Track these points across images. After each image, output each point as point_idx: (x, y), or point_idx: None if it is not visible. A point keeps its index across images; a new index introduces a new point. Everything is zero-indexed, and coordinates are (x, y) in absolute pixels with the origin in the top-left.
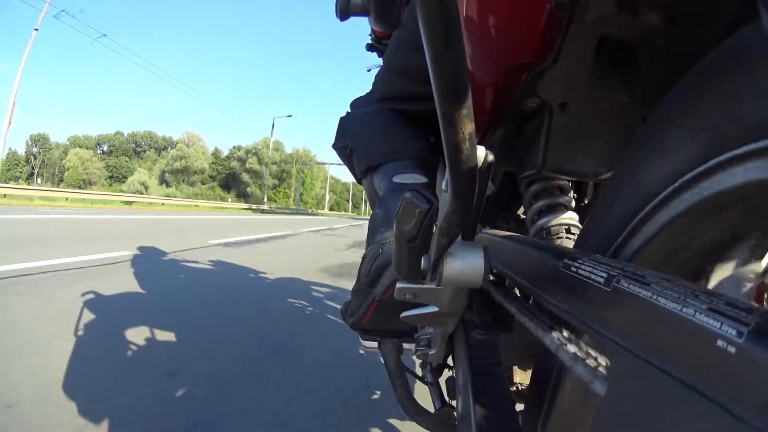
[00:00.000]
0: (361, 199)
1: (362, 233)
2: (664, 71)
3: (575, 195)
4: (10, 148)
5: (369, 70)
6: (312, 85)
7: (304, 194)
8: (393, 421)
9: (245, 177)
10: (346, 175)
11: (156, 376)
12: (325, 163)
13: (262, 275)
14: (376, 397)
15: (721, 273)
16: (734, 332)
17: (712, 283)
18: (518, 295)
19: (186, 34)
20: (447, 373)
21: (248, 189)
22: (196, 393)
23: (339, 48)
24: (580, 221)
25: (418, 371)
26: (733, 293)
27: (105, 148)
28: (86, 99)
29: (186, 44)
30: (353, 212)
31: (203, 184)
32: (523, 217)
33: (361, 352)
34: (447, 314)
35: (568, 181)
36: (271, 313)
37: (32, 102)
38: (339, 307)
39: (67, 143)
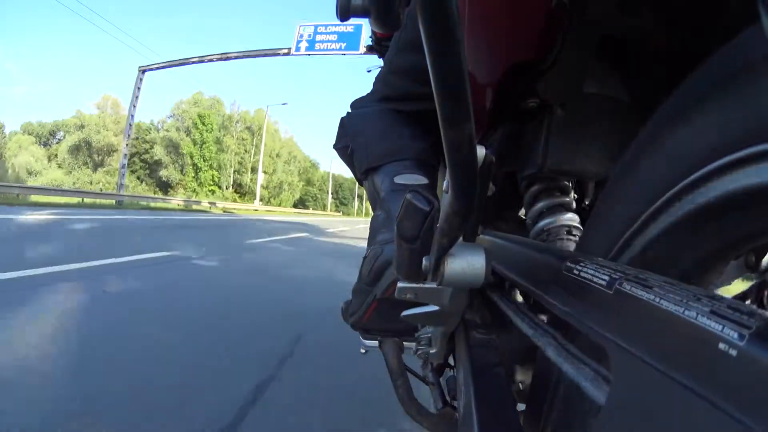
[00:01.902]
0: (354, 196)
1: None
2: (664, 71)
3: (576, 196)
4: None
5: (369, 71)
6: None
7: (244, 179)
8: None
9: (158, 152)
10: (324, 160)
11: None
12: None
13: None
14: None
15: (724, 275)
16: (736, 335)
17: (714, 284)
18: (519, 296)
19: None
20: (448, 373)
21: (162, 172)
22: None
23: None
24: (581, 222)
25: (420, 371)
26: (735, 293)
27: (62, 134)
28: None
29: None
30: (337, 211)
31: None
32: (523, 218)
33: (362, 351)
34: (448, 313)
35: (569, 181)
36: None
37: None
38: None
39: (20, 132)
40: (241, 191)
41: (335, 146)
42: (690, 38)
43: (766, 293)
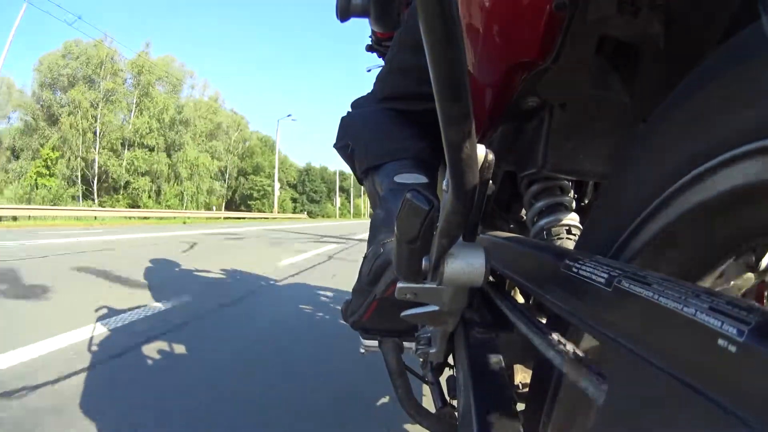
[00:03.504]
0: (335, 189)
1: None
2: (664, 71)
3: (576, 195)
4: None
5: (369, 71)
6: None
7: (109, 163)
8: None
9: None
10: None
11: None
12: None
13: None
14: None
15: (722, 273)
16: (735, 331)
17: (713, 283)
18: (519, 295)
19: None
20: (448, 372)
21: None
22: None
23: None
24: (581, 221)
25: (420, 371)
26: (734, 293)
27: None
28: None
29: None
30: (299, 212)
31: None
32: (523, 218)
33: (362, 351)
34: (447, 313)
35: (569, 180)
36: None
37: None
38: None
39: None
40: (113, 186)
41: (335, 145)
42: (689, 38)
43: (765, 294)
